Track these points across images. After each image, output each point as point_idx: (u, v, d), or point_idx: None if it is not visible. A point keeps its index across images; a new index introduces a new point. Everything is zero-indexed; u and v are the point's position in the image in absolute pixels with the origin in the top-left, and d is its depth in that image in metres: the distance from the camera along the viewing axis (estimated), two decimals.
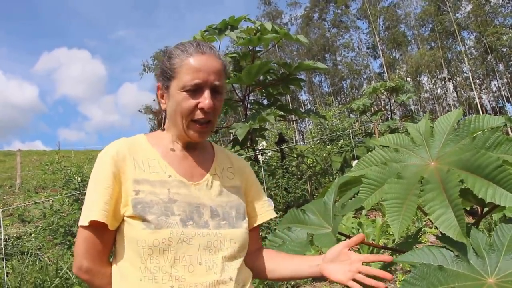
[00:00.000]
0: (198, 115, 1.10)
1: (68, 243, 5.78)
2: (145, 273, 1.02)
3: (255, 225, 1.29)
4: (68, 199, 6.67)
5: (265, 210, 1.31)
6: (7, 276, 4.36)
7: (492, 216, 4.79)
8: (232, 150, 6.51)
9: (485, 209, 1.28)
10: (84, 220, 1.05)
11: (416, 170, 1.16)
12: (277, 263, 1.24)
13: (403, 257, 1.03)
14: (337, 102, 42.52)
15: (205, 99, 1.09)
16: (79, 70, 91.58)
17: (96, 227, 1.05)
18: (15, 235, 6.46)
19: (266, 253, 1.28)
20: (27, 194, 9.69)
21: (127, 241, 1.06)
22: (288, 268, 1.21)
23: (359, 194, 1.19)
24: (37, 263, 5.02)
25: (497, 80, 40.76)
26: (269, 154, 9.18)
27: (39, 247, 5.83)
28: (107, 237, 1.09)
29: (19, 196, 10.07)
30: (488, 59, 39.50)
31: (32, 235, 6.35)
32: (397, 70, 43.00)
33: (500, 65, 40.02)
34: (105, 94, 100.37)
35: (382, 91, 11.06)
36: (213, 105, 1.11)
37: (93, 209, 1.04)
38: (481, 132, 1.17)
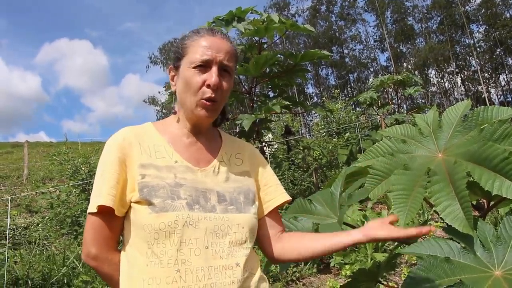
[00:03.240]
0: (206, 92, 1.11)
1: (74, 233, 5.83)
2: (151, 258, 1.02)
3: (270, 209, 1.27)
4: (75, 190, 6.73)
5: (279, 194, 1.29)
6: (15, 264, 4.41)
7: (498, 211, 4.76)
8: None
9: (492, 203, 1.27)
10: (92, 207, 1.06)
11: (423, 161, 1.15)
12: (309, 240, 1.20)
13: (409, 249, 1.03)
14: (343, 95, 42.32)
15: (212, 76, 1.10)
16: (81, 61, 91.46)
17: (103, 213, 1.06)
18: (22, 225, 6.53)
19: (291, 234, 1.26)
20: (35, 185, 9.76)
21: (134, 227, 1.07)
22: (323, 243, 1.16)
23: (365, 184, 1.19)
24: (44, 253, 5.07)
25: (506, 74, 40.32)
26: (276, 146, 9.18)
27: (46, 237, 5.89)
28: (115, 224, 1.10)
29: (26, 186, 10.15)
30: (497, 52, 39.06)
31: (40, 225, 6.41)
32: (404, 64, 42.67)
33: (509, 58, 39.56)
34: (108, 85, 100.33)
35: (390, 84, 10.99)
36: (220, 83, 1.11)
37: (100, 194, 1.05)
38: (488, 124, 1.16)
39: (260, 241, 1.24)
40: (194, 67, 1.11)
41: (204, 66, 1.11)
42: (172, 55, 1.22)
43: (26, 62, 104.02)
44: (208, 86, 1.10)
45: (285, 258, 1.22)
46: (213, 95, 1.11)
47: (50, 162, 8.00)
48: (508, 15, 37.82)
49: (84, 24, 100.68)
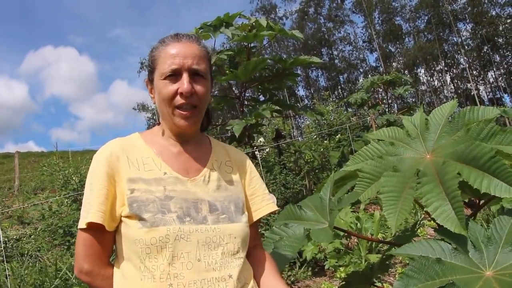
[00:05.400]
0: (179, 100, 1.10)
1: (67, 243, 5.78)
2: (144, 273, 1.01)
3: (255, 219, 1.26)
4: (66, 200, 6.67)
5: (265, 204, 1.28)
6: (7, 278, 4.35)
7: (490, 208, 4.80)
8: None
9: (482, 201, 1.28)
10: (81, 223, 1.05)
11: (411, 163, 1.16)
12: (265, 275, 1.20)
13: (401, 250, 1.03)
14: (334, 96, 42.47)
15: (183, 84, 1.09)
16: (68, 68, 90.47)
17: (94, 228, 1.05)
18: (14, 237, 6.45)
19: (259, 258, 1.25)
20: (26, 196, 9.67)
21: (126, 241, 1.06)
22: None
23: (355, 188, 1.19)
24: (36, 265, 5.01)
25: (494, 71, 40.75)
26: (267, 150, 9.17)
27: (38, 248, 5.82)
28: (106, 239, 1.09)
29: (18, 198, 10.05)
30: (485, 50, 39.49)
31: (32, 236, 6.35)
32: (394, 64, 42.99)
33: (497, 55, 40.00)
34: (96, 92, 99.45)
35: (380, 84, 11.05)
36: (192, 89, 1.10)
37: (90, 211, 1.04)
38: (475, 123, 1.16)
39: None
40: (165, 78, 1.11)
41: (174, 75, 1.11)
42: (146, 69, 1.22)
43: (11, 71, 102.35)
44: (181, 94, 1.10)
45: None
46: (187, 102, 1.10)
47: (41, 172, 7.92)
48: (494, 12, 38.27)
49: (68, 31, 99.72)
